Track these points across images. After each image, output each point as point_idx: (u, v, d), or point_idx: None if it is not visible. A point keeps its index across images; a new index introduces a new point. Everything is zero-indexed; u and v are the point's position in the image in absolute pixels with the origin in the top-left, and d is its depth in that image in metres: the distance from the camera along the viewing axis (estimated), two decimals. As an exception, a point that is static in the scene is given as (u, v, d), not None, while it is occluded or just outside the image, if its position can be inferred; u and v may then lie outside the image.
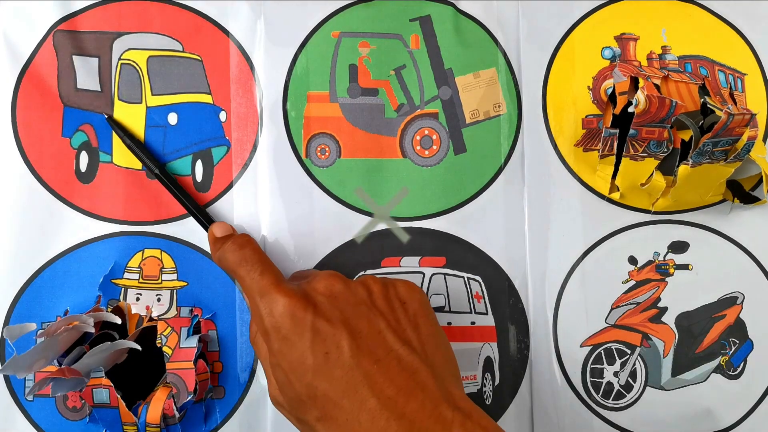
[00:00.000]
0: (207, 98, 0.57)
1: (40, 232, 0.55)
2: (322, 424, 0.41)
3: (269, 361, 0.44)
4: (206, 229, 0.54)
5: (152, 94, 0.57)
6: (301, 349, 0.42)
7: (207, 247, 0.56)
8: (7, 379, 0.54)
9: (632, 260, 0.58)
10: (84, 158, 0.56)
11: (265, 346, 0.45)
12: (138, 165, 0.56)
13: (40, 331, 0.52)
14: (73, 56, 0.56)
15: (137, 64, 0.57)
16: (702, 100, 0.54)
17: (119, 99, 0.56)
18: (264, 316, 0.43)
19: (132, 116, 0.56)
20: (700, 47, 0.59)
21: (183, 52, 0.57)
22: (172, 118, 0.57)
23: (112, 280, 0.55)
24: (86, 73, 0.56)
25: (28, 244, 0.55)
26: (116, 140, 0.56)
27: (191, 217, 0.55)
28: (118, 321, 0.53)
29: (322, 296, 0.44)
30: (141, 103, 0.57)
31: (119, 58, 0.57)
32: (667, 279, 0.58)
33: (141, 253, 0.56)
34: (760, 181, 0.56)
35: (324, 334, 0.42)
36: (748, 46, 0.59)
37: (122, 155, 0.56)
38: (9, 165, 0.55)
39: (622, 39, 0.59)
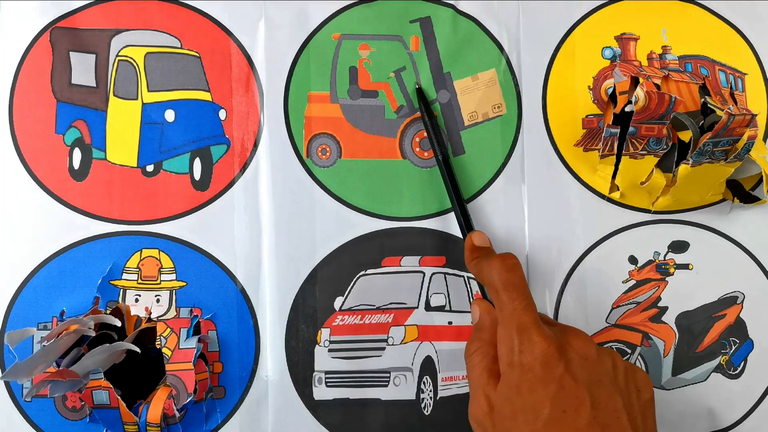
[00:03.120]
0: (205, 95, 0.57)
1: (34, 231, 0.55)
2: None
3: (498, 389, 0.44)
4: (464, 232, 0.54)
5: (148, 91, 0.56)
6: (541, 396, 0.42)
7: (206, 247, 0.55)
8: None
9: (632, 260, 0.58)
10: (77, 155, 0.56)
11: (483, 366, 0.45)
12: (132, 162, 0.55)
13: (42, 337, 0.51)
14: (71, 52, 0.56)
15: (134, 61, 0.56)
16: (702, 99, 0.54)
17: (114, 95, 0.56)
18: (515, 352, 0.43)
19: (127, 113, 0.56)
20: (700, 47, 0.59)
21: (181, 48, 0.57)
22: (169, 115, 0.56)
23: (111, 281, 0.54)
24: (82, 69, 0.56)
25: (23, 245, 0.54)
26: (110, 136, 0.56)
27: (191, 216, 0.55)
28: (119, 324, 0.52)
29: (575, 354, 0.43)
30: (137, 99, 0.56)
31: (117, 55, 0.56)
32: (667, 278, 0.58)
33: (139, 253, 0.55)
34: (760, 180, 0.57)
35: (568, 392, 0.42)
36: (748, 46, 0.60)
37: (116, 151, 0.56)
38: (4, 163, 0.55)
39: (623, 39, 0.59)
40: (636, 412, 0.44)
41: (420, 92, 0.57)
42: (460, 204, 0.55)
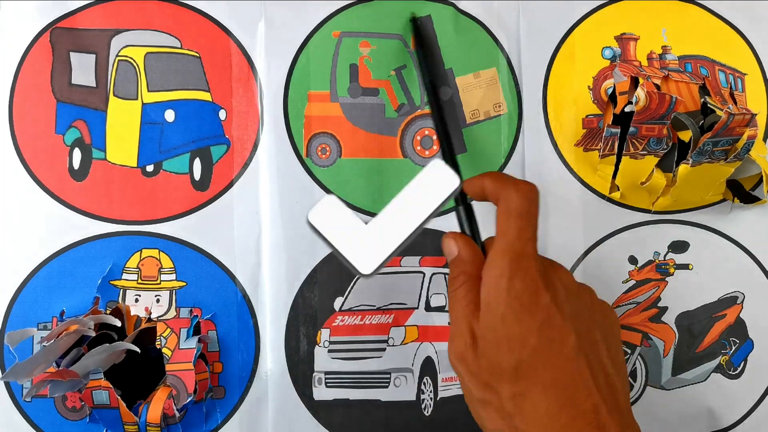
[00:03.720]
0: (205, 95, 0.57)
1: (34, 231, 0.55)
2: (515, 402, 0.41)
3: (481, 318, 0.43)
4: (446, 158, 0.50)
5: (148, 91, 0.56)
6: (527, 326, 0.41)
7: (206, 247, 0.55)
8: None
9: (632, 260, 0.58)
10: (77, 155, 0.55)
11: (469, 298, 0.43)
12: (132, 162, 0.55)
13: (42, 337, 0.51)
14: (71, 52, 0.56)
15: (134, 61, 0.56)
16: (702, 99, 0.54)
17: (114, 95, 0.56)
18: (505, 277, 0.42)
19: (127, 113, 0.56)
20: (700, 47, 0.59)
21: (181, 48, 0.57)
22: (169, 115, 0.56)
23: (111, 282, 0.54)
24: (82, 69, 0.56)
25: (23, 245, 0.54)
26: (110, 136, 0.56)
27: (191, 216, 0.55)
28: (119, 324, 0.52)
29: (560, 285, 0.43)
30: (137, 99, 0.56)
31: (117, 55, 0.56)
32: (667, 279, 0.58)
33: (139, 253, 0.55)
34: (760, 180, 0.57)
35: (554, 323, 0.41)
36: (748, 46, 0.59)
37: (116, 151, 0.55)
38: (4, 163, 0.55)
39: (623, 39, 0.59)
40: (610, 342, 0.44)
41: (414, 22, 0.55)
42: (445, 130, 0.52)
